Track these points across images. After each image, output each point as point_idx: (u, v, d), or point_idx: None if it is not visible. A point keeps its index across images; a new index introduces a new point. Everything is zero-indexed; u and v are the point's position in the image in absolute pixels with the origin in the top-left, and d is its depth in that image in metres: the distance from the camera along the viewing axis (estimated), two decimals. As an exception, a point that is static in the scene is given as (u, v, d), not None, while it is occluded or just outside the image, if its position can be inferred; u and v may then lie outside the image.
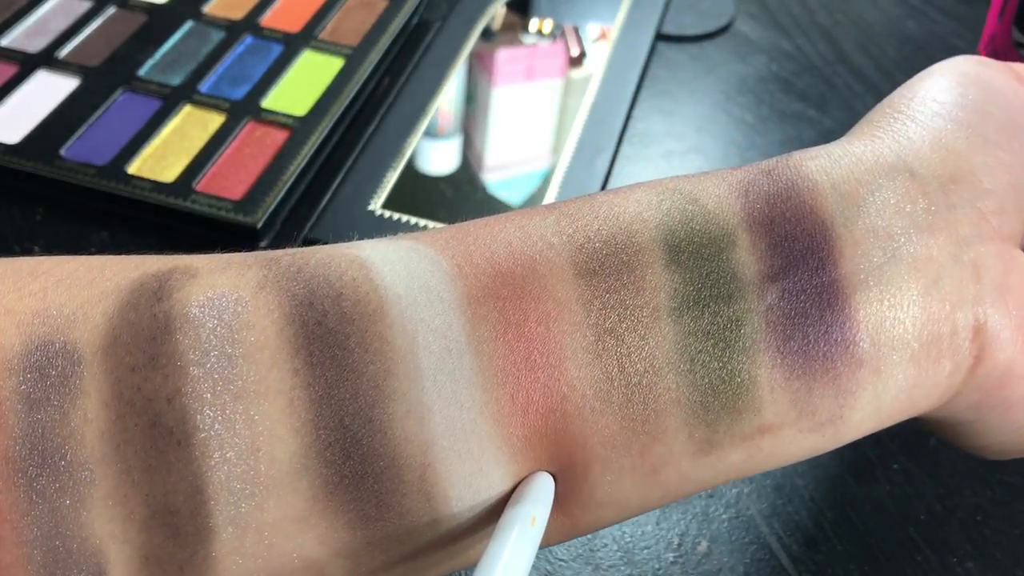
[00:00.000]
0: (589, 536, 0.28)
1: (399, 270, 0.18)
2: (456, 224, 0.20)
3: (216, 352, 0.17)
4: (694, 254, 0.19)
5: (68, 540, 0.16)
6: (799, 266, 0.19)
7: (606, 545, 0.28)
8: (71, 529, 0.16)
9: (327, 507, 0.17)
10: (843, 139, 0.21)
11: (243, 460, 0.16)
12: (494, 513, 0.18)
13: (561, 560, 0.28)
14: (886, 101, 0.23)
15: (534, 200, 0.39)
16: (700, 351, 0.18)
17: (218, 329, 0.17)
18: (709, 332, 0.18)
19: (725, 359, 0.18)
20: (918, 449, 0.31)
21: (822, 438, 0.19)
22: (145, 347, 0.17)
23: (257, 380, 0.17)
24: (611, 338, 0.18)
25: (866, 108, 0.45)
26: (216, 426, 0.16)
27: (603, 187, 0.40)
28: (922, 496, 0.30)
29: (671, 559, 0.28)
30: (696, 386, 0.18)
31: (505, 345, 0.18)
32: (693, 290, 0.18)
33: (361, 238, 0.36)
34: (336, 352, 0.17)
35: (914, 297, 0.19)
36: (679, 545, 0.28)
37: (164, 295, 0.17)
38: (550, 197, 0.39)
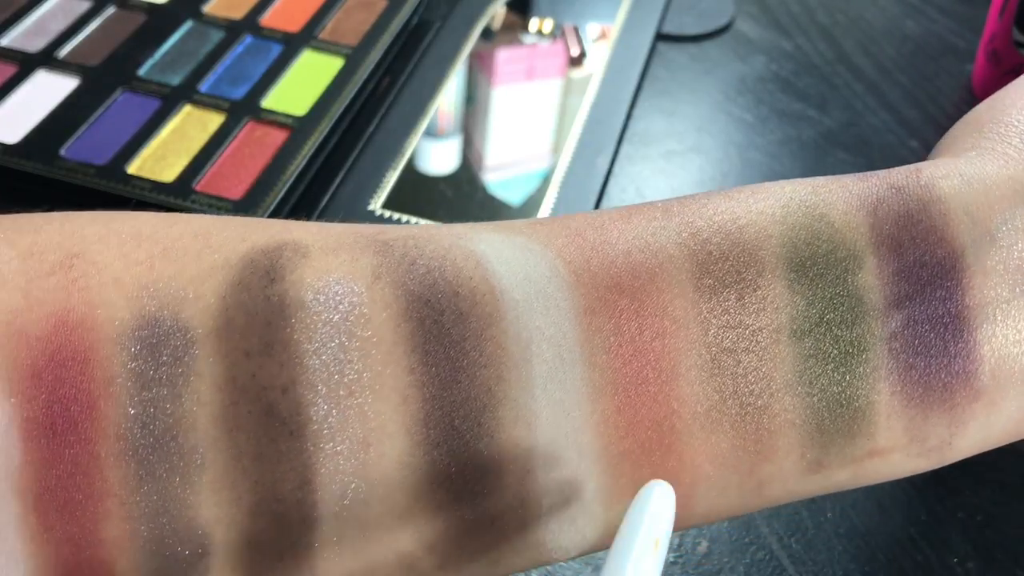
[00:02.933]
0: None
1: (516, 271, 0.18)
2: (568, 218, 0.20)
3: (333, 344, 0.17)
4: (819, 275, 0.18)
5: (174, 519, 0.16)
6: (926, 294, 0.18)
7: (606, 545, 0.28)
8: (178, 509, 0.16)
9: (428, 506, 0.17)
10: (972, 154, 0.20)
11: (353, 454, 0.16)
12: (584, 523, 0.18)
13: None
14: (1011, 109, 0.21)
15: (534, 200, 0.39)
16: (820, 374, 0.18)
17: (334, 320, 0.17)
18: (830, 356, 0.18)
19: (845, 383, 0.18)
20: (918, 449, 0.31)
21: (926, 461, 0.19)
22: (260, 332, 0.17)
23: (372, 376, 0.17)
24: (728, 358, 0.18)
25: (866, 107, 0.45)
26: (329, 419, 0.16)
27: (603, 187, 0.40)
28: (922, 496, 0.30)
29: (671, 559, 0.28)
30: (813, 408, 0.18)
31: (618, 358, 0.18)
32: (816, 312, 0.18)
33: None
34: (451, 352, 0.17)
35: None
36: (679, 545, 0.28)
37: (277, 276, 0.17)
38: (550, 197, 0.39)
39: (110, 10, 0.45)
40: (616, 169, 0.42)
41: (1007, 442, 0.20)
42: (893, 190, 0.19)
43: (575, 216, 0.20)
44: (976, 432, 0.19)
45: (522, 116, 0.43)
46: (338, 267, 0.17)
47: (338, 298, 0.17)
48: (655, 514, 0.15)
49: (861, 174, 0.20)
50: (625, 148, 0.43)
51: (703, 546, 0.28)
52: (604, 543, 0.19)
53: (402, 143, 0.41)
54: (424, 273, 0.18)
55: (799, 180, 0.20)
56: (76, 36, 0.43)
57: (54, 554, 0.16)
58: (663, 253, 0.18)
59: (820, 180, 0.20)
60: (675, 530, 0.19)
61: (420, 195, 0.39)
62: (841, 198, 0.19)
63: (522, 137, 0.42)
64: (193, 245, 0.18)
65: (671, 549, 0.28)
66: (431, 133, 0.42)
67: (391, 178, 0.39)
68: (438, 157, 0.41)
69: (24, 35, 0.43)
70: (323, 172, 0.39)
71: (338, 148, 0.40)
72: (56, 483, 0.16)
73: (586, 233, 0.19)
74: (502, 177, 0.41)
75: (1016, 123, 0.21)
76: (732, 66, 0.48)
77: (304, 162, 0.38)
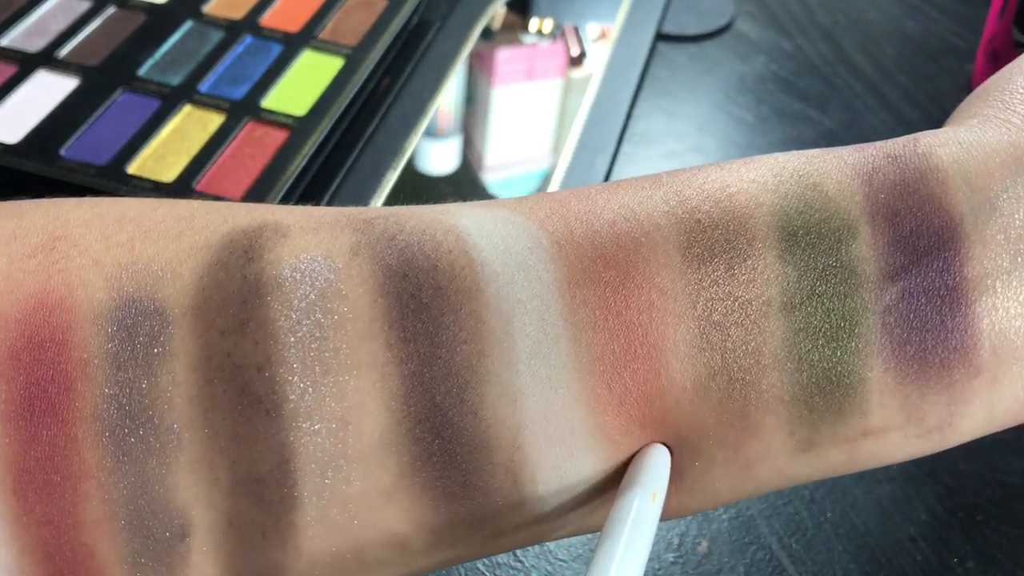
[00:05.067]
0: (588, 536, 0.28)
1: (497, 244, 0.18)
2: (555, 192, 0.19)
3: (308, 321, 0.16)
4: (811, 246, 0.18)
5: (153, 500, 0.16)
6: (922, 265, 0.18)
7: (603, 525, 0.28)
8: (156, 490, 0.16)
9: (413, 483, 0.17)
10: (974, 122, 0.20)
11: (332, 433, 0.16)
12: (581, 498, 0.18)
13: (561, 560, 0.28)
14: (1017, 76, 0.21)
15: (534, 200, 0.39)
16: (810, 349, 0.17)
17: (311, 297, 0.17)
18: (821, 330, 0.17)
19: (836, 359, 0.18)
20: (918, 449, 0.31)
21: (928, 443, 0.18)
22: (235, 311, 0.16)
23: (349, 352, 0.16)
24: (716, 332, 0.17)
25: (866, 108, 0.45)
26: (306, 397, 0.16)
27: (603, 187, 0.40)
28: (922, 496, 0.30)
29: (671, 559, 0.28)
30: (802, 385, 0.18)
31: (605, 333, 0.17)
32: (807, 284, 0.18)
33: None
34: (430, 328, 0.17)
35: None
36: (679, 545, 0.28)
37: (255, 255, 0.17)
38: (550, 197, 0.39)
39: (110, 10, 0.45)
40: (616, 169, 0.42)
41: (1014, 423, 0.19)
42: (889, 159, 0.19)
43: (562, 191, 0.19)
44: (979, 411, 0.18)
45: (522, 116, 0.44)
46: (316, 245, 0.17)
47: (315, 275, 0.17)
48: (653, 470, 0.16)
49: (858, 145, 0.20)
50: (625, 148, 0.43)
51: (703, 546, 0.28)
52: (601, 522, 0.19)
53: (402, 143, 0.41)
54: (403, 248, 0.17)
55: (794, 152, 0.19)
56: (76, 36, 0.43)
57: (35, 536, 0.16)
58: (649, 222, 0.18)
59: (815, 151, 0.19)
60: (669, 516, 0.19)
61: (420, 195, 0.39)
62: (836, 168, 0.19)
63: (522, 137, 0.42)
64: (175, 227, 0.18)
65: (671, 549, 0.28)
66: (431, 133, 0.42)
67: (391, 178, 0.39)
68: (438, 157, 0.41)
69: (24, 35, 0.43)
70: (323, 172, 0.39)
71: (338, 148, 0.40)
72: (35, 465, 0.16)
73: (570, 204, 0.19)
74: (502, 177, 0.41)
75: (1021, 90, 0.20)
76: (732, 66, 0.48)
77: (304, 162, 0.38)
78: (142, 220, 0.18)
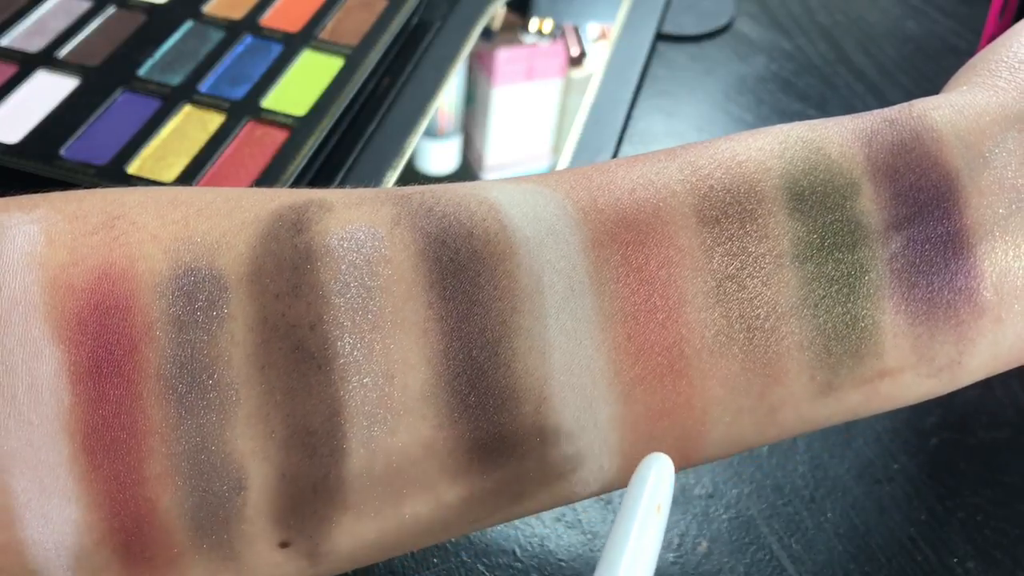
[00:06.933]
0: (589, 536, 0.28)
1: (526, 212, 0.19)
2: (577, 168, 0.21)
3: (356, 284, 0.18)
4: (818, 203, 0.19)
5: (213, 454, 0.17)
6: (924, 215, 0.19)
7: (623, 482, 0.28)
8: (216, 444, 0.17)
9: (451, 435, 0.18)
10: (964, 88, 0.21)
11: (378, 386, 0.17)
12: (599, 451, 0.19)
13: (561, 561, 0.28)
14: (1001, 49, 0.22)
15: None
16: (824, 296, 0.19)
17: (357, 262, 0.18)
18: (833, 278, 0.19)
19: (849, 304, 0.19)
20: (918, 449, 0.31)
21: (939, 383, 0.20)
22: (288, 276, 0.18)
23: (393, 311, 0.18)
24: (732, 283, 0.19)
25: (866, 108, 0.45)
26: (355, 353, 0.17)
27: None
28: (922, 496, 0.30)
29: (671, 559, 0.28)
30: (820, 330, 0.19)
31: (626, 287, 0.18)
32: (817, 237, 0.19)
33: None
34: (467, 288, 0.18)
35: None
36: (679, 545, 0.28)
37: (303, 227, 0.18)
38: (550, 197, 0.39)
39: (110, 10, 0.45)
40: (616, 169, 0.42)
41: (1018, 363, 0.20)
42: (887, 123, 0.20)
43: (584, 166, 0.21)
44: (985, 350, 0.19)
45: (522, 116, 0.44)
46: (360, 217, 0.18)
47: (360, 242, 0.18)
48: (656, 480, 0.17)
49: (857, 113, 0.21)
50: (625, 148, 0.43)
51: (703, 546, 0.28)
52: (621, 479, 0.20)
53: (402, 143, 0.41)
54: (440, 217, 0.19)
55: (797, 122, 0.21)
56: (76, 36, 0.43)
57: (102, 492, 0.17)
58: (666, 189, 0.19)
59: (817, 120, 0.21)
60: (693, 463, 0.20)
61: (420, 195, 0.39)
62: (837, 132, 0.20)
63: (522, 137, 0.42)
64: (225, 206, 0.19)
65: (671, 549, 0.28)
66: (431, 133, 0.42)
67: (391, 178, 0.39)
68: (438, 157, 0.41)
69: (24, 35, 0.43)
70: (323, 172, 0.39)
71: (338, 148, 0.40)
72: (102, 423, 0.17)
73: (592, 176, 0.20)
74: (502, 177, 0.41)
75: (1005, 59, 0.22)
76: (732, 66, 0.48)
77: (304, 162, 0.38)
78: (193, 201, 0.19)
